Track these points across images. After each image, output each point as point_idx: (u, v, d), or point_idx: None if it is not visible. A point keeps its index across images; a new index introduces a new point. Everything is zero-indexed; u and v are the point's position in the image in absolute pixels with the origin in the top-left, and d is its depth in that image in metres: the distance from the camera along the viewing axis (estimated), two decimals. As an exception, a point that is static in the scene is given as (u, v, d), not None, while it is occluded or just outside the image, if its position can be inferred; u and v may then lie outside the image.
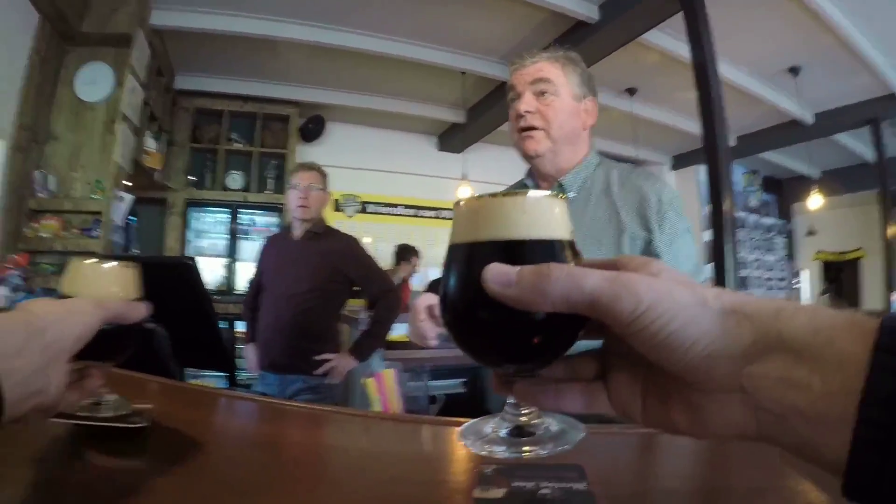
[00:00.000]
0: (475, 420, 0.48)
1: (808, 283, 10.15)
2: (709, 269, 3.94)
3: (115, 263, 0.75)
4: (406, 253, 6.07)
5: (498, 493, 0.57)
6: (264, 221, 6.90)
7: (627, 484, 0.70)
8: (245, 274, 6.26)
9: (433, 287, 4.10)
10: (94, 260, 0.75)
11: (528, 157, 1.65)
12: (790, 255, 10.19)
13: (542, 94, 1.61)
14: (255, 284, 3.06)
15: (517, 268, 0.38)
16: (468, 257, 0.43)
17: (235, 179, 6.77)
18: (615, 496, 0.63)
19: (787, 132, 7.28)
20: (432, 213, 7.83)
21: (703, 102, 4.06)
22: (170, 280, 1.67)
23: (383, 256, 5.62)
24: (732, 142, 6.24)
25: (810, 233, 9.53)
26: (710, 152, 4.09)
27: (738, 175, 9.23)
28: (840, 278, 9.55)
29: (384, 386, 2.15)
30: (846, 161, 8.33)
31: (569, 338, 0.43)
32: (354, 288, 3.00)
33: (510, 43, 5.48)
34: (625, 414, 0.43)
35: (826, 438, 0.31)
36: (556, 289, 0.37)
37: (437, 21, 5.25)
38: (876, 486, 0.29)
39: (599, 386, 0.44)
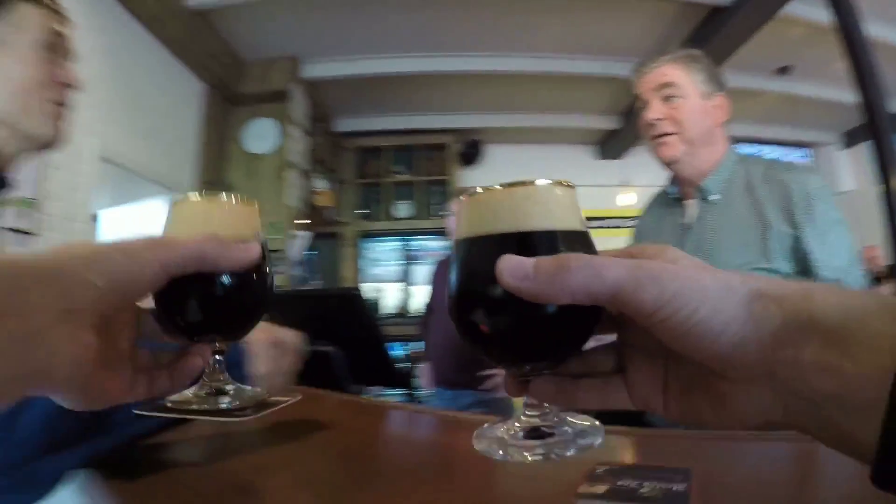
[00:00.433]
0: (490, 424, 0.46)
1: None
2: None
3: (224, 197, 0.55)
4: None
5: (601, 489, 0.56)
6: (434, 246, 7.16)
7: (731, 489, 0.68)
8: (419, 297, 6.54)
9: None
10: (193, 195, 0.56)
11: (665, 163, 1.64)
12: None
13: (668, 98, 1.59)
14: (429, 306, 3.24)
15: (533, 259, 0.36)
16: (477, 251, 0.42)
17: (402, 209, 7.12)
18: (713, 498, 0.62)
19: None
20: (597, 223, 7.64)
21: (855, 69, 3.61)
22: (340, 309, 1.80)
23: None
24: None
25: None
26: (871, 124, 3.61)
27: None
28: None
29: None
30: None
31: (586, 331, 0.42)
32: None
33: (649, 41, 5.26)
34: (646, 408, 0.42)
35: (857, 424, 0.30)
36: (577, 280, 0.35)
37: (576, 31, 5.21)
38: None
39: (618, 380, 0.43)
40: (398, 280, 7.17)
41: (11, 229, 2.46)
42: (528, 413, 0.44)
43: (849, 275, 1.45)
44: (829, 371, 0.30)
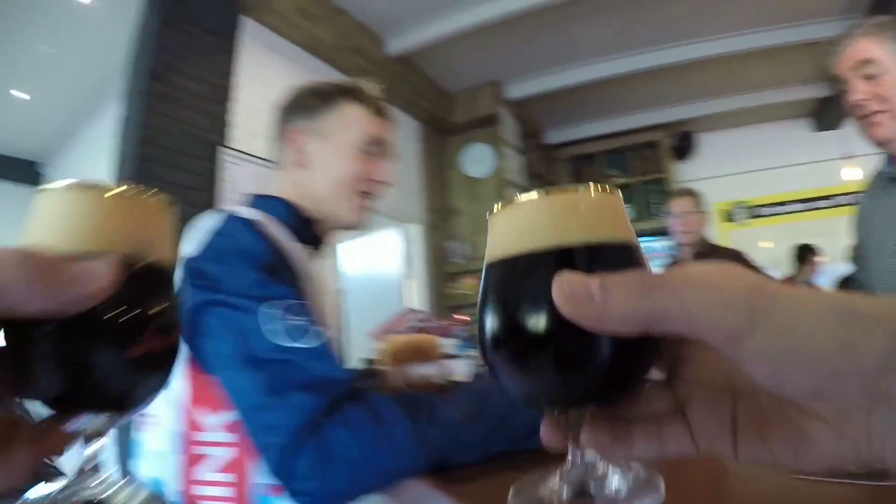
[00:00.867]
0: (526, 477, 0.40)
1: None
2: None
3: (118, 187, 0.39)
4: (804, 253, 5.51)
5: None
6: (659, 247, 7.00)
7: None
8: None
9: (844, 285, 3.70)
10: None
11: (877, 144, 1.55)
12: None
13: (869, 77, 1.50)
14: None
15: (597, 277, 0.31)
16: (518, 272, 0.36)
17: (624, 213, 7.06)
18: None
19: None
20: (826, 203, 6.99)
21: None
22: None
23: (782, 261, 5.29)
24: None
25: None
26: None
27: None
28: None
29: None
30: None
31: (648, 364, 0.36)
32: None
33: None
34: (711, 452, 0.35)
35: None
36: (654, 303, 0.30)
37: (765, 2, 4.88)
38: None
39: (676, 422, 0.36)
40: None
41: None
42: (574, 466, 0.38)
43: None
44: None
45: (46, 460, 0.35)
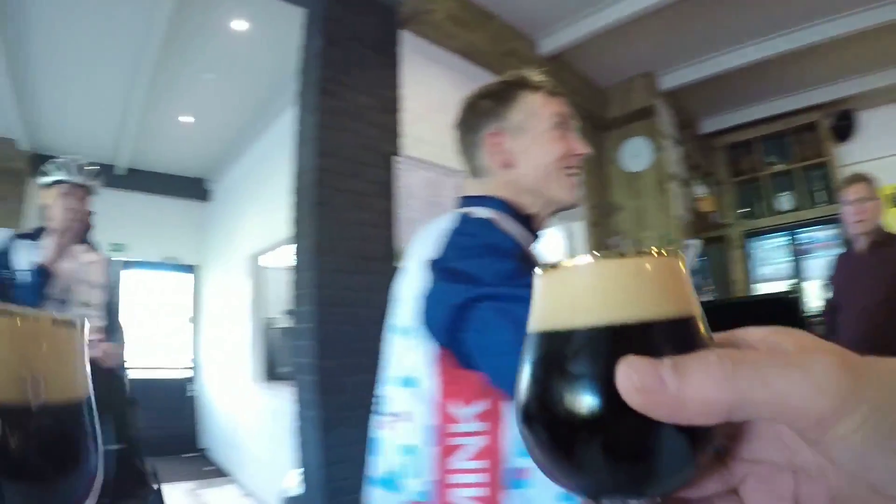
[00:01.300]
0: None
1: None
2: None
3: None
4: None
5: None
6: (823, 236, 6.48)
7: None
8: (813, 293, 5.96)
9: None
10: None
11: None
12: None
13: None
14: (831, 304, 3.03)
15: (669, 361, 0.28)
16: (570, 350, 0.31)
17: (784, 201, 6.61)
18: None
19: None
20: None
21: None
22: (772, 314, 1.79)
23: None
24: None
25: None
26: None
27: None
28: None
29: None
30: None
31: (712, 449, 0.32)
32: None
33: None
34: None
35: None
36: (738, 388, 0.27)
37: None
38: None
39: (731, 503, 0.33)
40: (789, 278, 6.62)
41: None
42: None
43: None
44: None
45: None
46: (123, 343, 2.67)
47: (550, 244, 4.81)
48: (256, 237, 5.67)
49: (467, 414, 1.01)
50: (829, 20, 4.92)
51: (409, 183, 3.36)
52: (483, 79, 4.13)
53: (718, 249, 6.74)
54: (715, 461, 0.33)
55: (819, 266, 5.71)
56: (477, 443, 1.00)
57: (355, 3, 3.38)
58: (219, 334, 6.90)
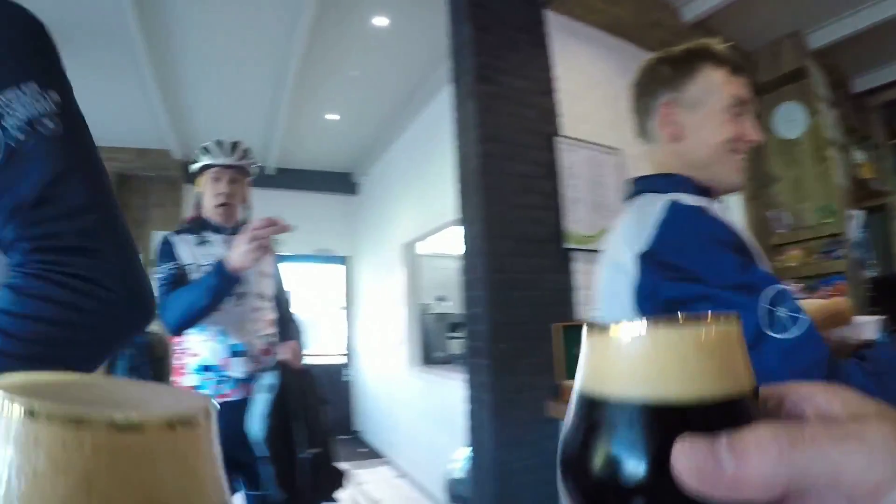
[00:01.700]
0: None
1: None
2: None
3: None
4: None
5: None
6: None
7: None
8: None
9: None
10: None
11: None
12: None
13: None
14: None
15: (724, 440, 0.27)
16: (622, 421, 0.29)
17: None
18: None
19: None
20: None
21: None
22: None
23: None
24: None
25: None
26: None
27: None
28: None
29: None
30: None
31: None
32: None
33: None
34: None
35: None
36: (797, 462, 0.26)
37: None
38: None
39: None
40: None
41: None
42: None
43: None
44: None
45: None
46: (304, 336, 2.55)
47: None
48: (409, 226, 5.85)
49: None
50: None
51: (572, 163, 3.36)
52: (630, 53, 4.13)
53: (880, 219, 6.26)
54: None
55: None
56: None
57: (498, -12, 3.41)
58: (373, 321, 7.20)
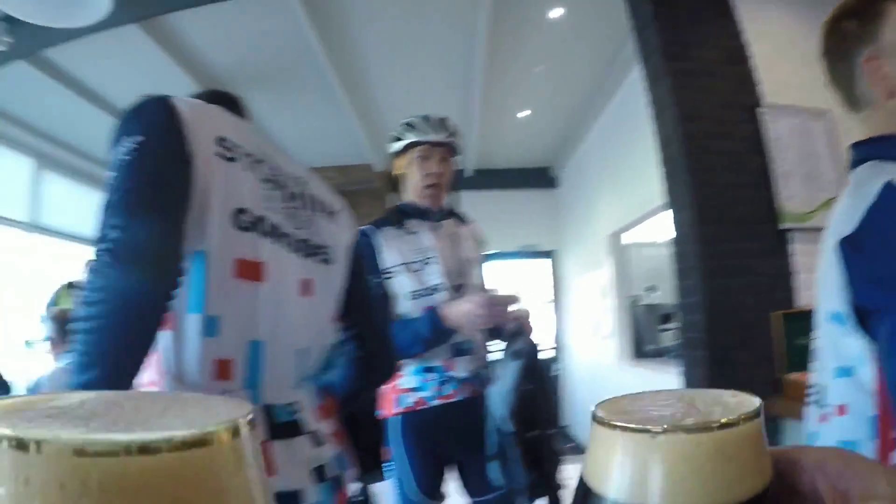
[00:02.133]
0: None
1: None
2: None
3: None
4: None
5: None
6: None
7: None
8: None
9: None
10: None
11: None
12: None
13: None
14: None
15: None
16: None
17: None
18: None
19: None
20: None
21: None
22: None
23: None
24: None
25: None
26: None
27: None
28: None
29: None
30: None
31: None
32: None
33: None
34: None
35: None
36: None
37: None
38: None
39: None
40: None
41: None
42: None
43: None
44: None
45: None
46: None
47: None
48: (614, 215, 5.70)
49: None
50: None
51: (778, 134, 3.06)
52: (821, 2, 3.63)
53: None
54: None
55: None
56: None
57: (671, -39, 3.20)
58: (581, 315, 7.15)
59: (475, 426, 1.89)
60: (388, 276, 1.95)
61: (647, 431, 0.27)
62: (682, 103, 2.97)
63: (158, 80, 5.08)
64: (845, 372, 0.97)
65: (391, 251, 1.98)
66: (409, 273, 1.96)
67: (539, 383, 1.87)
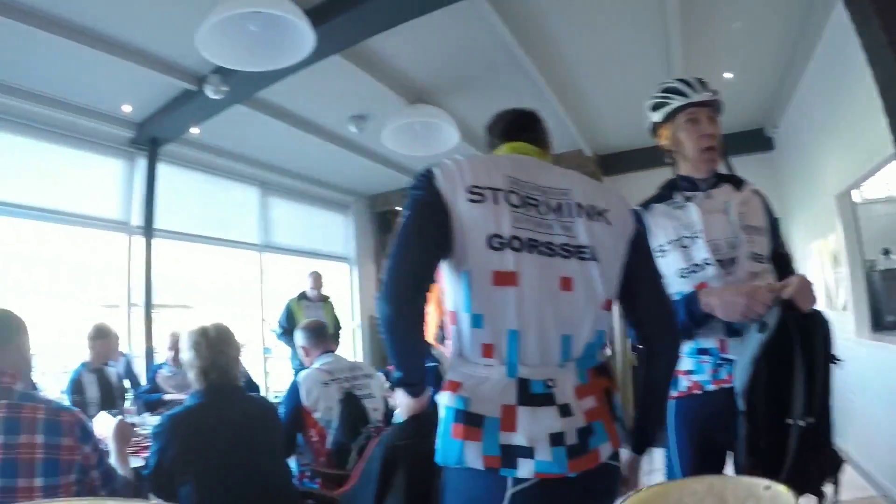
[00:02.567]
0: None
1: None
2: None
3: None
4: None
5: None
6: None
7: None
8: None
9: None
10: None
11: None
12: None
13: None
14: None
15: None
16: None
17: None
18: None
19: None
20: None
21: None
22: None
23: None
24: None
25: None
26: None
27: None
28: None
29: None
30: None
31: None
32: None
33: None
34: None
35: None
36: None
37: None
38: None
39: None
40: None
41: None
42: None
43: None
44: None
45: None
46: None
47: None
48: (840, 171, 5.09)
49: None
50: None
51: None
52: None
53: None
54: None
55: None
56: None
57: None
58: (813, 286, 6.56)
59: None
60: (659, 254, 1.86)
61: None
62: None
63: (365, 100, 5.50)
64: None
65: (659, 229, 1.91)
66: (679, 249, 1.87)
67: (799, 363, 1.62)
